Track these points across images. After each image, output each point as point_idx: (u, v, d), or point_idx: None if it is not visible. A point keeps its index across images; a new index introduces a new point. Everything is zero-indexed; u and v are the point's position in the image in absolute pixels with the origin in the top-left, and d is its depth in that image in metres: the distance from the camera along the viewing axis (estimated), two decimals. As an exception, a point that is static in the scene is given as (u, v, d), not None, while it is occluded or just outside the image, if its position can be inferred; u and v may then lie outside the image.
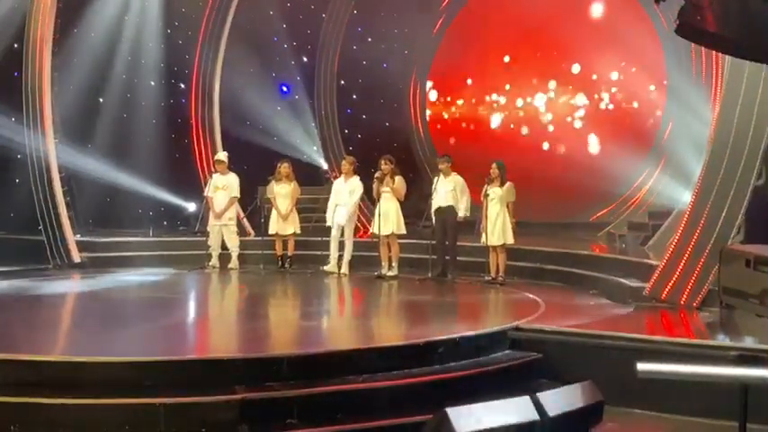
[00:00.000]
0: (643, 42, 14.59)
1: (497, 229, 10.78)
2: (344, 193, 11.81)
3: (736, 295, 3.71)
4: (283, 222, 12.19)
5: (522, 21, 15.70)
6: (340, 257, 11.91)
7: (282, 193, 12.22)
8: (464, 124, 17.81)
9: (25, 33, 12.56)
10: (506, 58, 16.92)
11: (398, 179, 11.47)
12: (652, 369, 3.08)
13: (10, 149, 12.97)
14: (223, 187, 12.34)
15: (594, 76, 15.95)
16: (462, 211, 11.25)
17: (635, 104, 15.53)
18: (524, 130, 16.92)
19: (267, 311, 9.78)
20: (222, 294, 11.42)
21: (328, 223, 11.94)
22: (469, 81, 17.60)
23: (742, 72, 8.24)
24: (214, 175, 12.55)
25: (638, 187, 14.53)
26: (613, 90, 15.85)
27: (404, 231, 11.52)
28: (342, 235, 11.88)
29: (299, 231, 12.33)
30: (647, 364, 3.07)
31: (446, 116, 18.08)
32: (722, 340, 7.38)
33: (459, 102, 17.89)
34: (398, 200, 11.41)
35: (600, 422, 6.30)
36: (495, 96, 17.33)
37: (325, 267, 11.95)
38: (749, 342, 7.07)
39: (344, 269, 11.88)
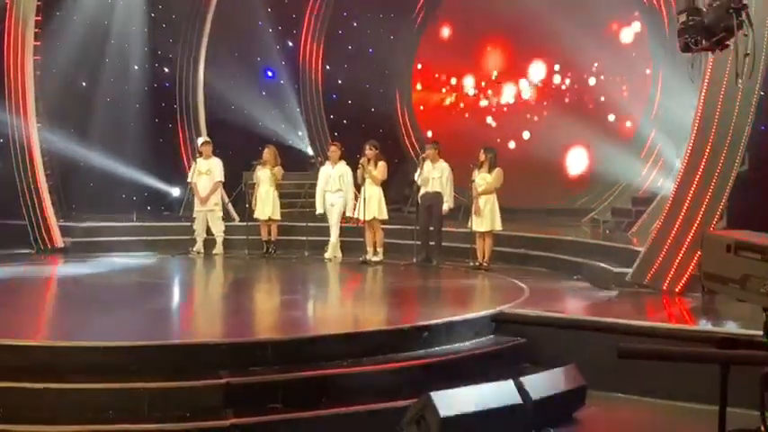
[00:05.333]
0: (628, 28, 14.63)
1: (486, 215, 10.82)
2: (334, 178, 11.82)
3: (717, 280, 3.72)
4: (263, 207, 12.16)
5: (508, 5, 15.66)
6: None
7: (264, 177, 12.20)
8: (450, 110, 17.80)
9: (6, 16, 12.43)
10: (492, 43, 16.91)
11: (381, 165, 11.48)
12: (631, 349, 3.11)
13: (-8, 134, 12.88)
14: (206, 172, 12.30)
15: (578, 62, 15.96)
16: (446, 204, 11.26)
17: (619, 90, 15.55)
18: (508, 116, 16.93)
19: (252, 296, 9.77)
20: (206, 279, 11.39)
21: (319, 211, 11.94)
22: (455, 66, 17.58)
23: (726, 57, 8.26)
24: (198, 160, 12.51)
25: (622, 173, 14.56)
26: (595, 76, 15.86)
27: (385, 217, 11.55)
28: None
29: (277, 217, 12.29)
30: (627, 345, 3.10)
31: (432, 101, 18.07)
32: (704, 325, 7.44)
33: (446, 87, 17.87)
34: (376, 185, 11.42)
35: (582, 406, 6.37)
36: (481, 82, 17.32)
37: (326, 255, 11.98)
38: (731, 326, 7.14)
39: (329, 254, 11.91)
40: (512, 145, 16.21)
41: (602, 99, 15.46)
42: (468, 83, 17.49)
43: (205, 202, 12.29)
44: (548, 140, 15.63)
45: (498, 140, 15.58)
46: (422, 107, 18.01)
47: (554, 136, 15.59)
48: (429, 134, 16.22)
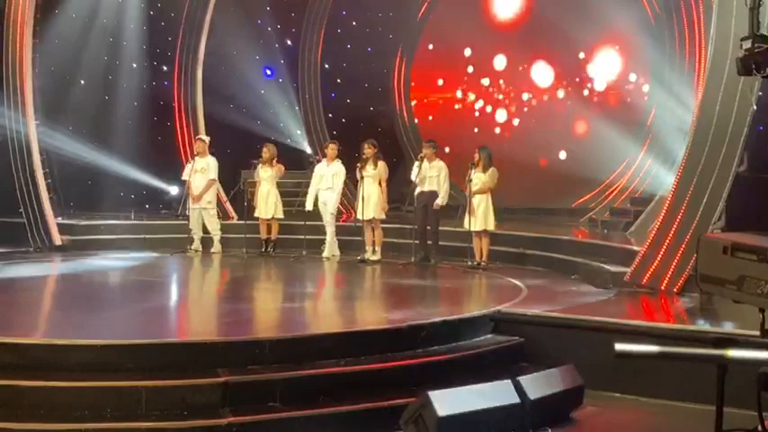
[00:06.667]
0: (627, 27, 14.64)
1: (479, 214, 10.82)
2: (328, 177, 11.84)
3: (714, 282, 3.74)
4: (265, 206, 12.18)
5: (506, 4, 15.69)
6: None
7: (265, 176, 12.21)
8: (449, 109, 17.80)
9: (5, 14, 12.43)
10: (492, 42, 16.90)
11: (381, 164, 11.48)
12: (629, 349, 3.12)
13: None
14: (201, 170, 12.30)
15: (579, 59, 15.97)
16: (440, 199, 11.23)
17: (619, 90, 15.58)
18: (506, 115, 16.94)
19: (250, 295, 9.76)
20: (204, 278, 11.39)
21: (308, 207, 11.93)
22: (455, 66, 17.57)
23: (725, 58, 8.28)
24: (196, 158, 12.52)
25: (621, 173, 14.59)
26: (597, 75, 15.87)
27: (383, 216, 11.54)
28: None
29: (280, 215, 12.31)
30: (625, 345, 3.11)
31: (431, 101, 18.06)
32: (701, 325, 7.44)
33: (445, 87, 17.86)
34: (380, 185, 11.43)
35: (580, 405, 6.38)
36: (480, 81, 17.32)
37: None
38: (728, 327, 7.15)
39: (326, 253, 11.92)
40: (511, 143, 16.20)
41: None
42: (468, 82, 17.49)
43: (198, 200, 12.29)
44: (548, 139, 15.66)
45: (497, 139, 15.58)
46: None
47: (554, 134, 15.61)
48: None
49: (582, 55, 15.70)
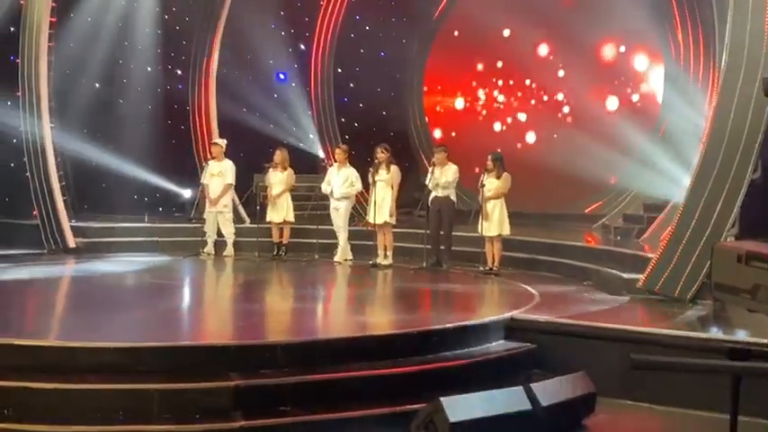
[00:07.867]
0: (641, 33, 14.57)
1: (494, 219, 10.81)
2: (338, 182, 11.86)
3: (728, 291, 3.72)
4: (275, 210, 12.20)
5: (520, 9, 15.60)
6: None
7: (275, 180, 12.24)
8: (461, 114, 17.78)
9: (22, 17, 12.51)
10: (504, 47, 16.85)
11: (394, 168, 11.49)
12: (646, 360, 3.11)
13: (6, 134, 12.93)
14: (218, 174, 12.35)
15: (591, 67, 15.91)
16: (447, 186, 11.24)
17: (632, 97, 15.51)
18: (521, 120, 16.89)
19: (261, 299, 9.78)
20: (217, 281, 11.42)
21: (323, 190, 12.00)
22: (468, 70, 17.55)
23: (739, 65, 8.25)
24: (210, 162, 12.56)
25: (634, 180, 14.49)
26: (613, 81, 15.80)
27: (393, 222, 11.53)
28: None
29: (291, 219, 12.32)
30: (641, 356, 3.09)
31: (443, 105, 18.05)
32: (715, 333, 7.40)
33: (457, 91, 17.85)
34: (392, 189, 11.43)
35: (592, 413, 6.36)
36: (493, 85, 17.28)
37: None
38: (742, 335, 7.10)
39: (338, 257, 11.92)
40: (523, 149, 16.15)
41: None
42: (481, 87, 17.46)
43: (215, 204, 12.34)
44: (560, 144, 15.58)
45: (510, 145, 15.52)
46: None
47: (566, 139, 15.53)
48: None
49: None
